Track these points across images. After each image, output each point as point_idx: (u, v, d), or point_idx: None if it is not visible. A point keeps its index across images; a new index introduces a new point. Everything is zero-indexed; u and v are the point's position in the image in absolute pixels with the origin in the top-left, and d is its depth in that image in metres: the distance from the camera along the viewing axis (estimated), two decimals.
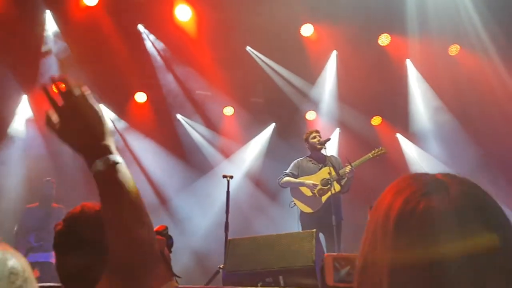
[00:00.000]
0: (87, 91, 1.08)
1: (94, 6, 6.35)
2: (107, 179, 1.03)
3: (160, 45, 7.10)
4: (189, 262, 6.35)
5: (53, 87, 1.07)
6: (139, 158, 7.24)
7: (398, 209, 0.76)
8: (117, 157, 1.06)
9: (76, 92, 1.05)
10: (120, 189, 1.03)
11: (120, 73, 7.16)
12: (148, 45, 7.08)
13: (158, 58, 7.19)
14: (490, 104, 7.09)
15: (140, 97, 7.50)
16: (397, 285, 0.72)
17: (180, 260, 5.85)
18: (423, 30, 6.71)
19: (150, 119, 7.48)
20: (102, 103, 7.29)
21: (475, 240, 0.72)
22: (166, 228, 1.84)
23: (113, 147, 1.07)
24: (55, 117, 1.06)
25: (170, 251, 1.81)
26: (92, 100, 1.08)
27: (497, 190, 6.72)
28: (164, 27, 6.82)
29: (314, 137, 5.34)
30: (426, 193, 0.76)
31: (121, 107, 7.46)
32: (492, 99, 7.05)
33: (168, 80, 7.37)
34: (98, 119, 1.07)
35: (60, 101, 1.06)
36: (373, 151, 5.31)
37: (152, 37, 7.05)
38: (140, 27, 6.98)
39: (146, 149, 7.25)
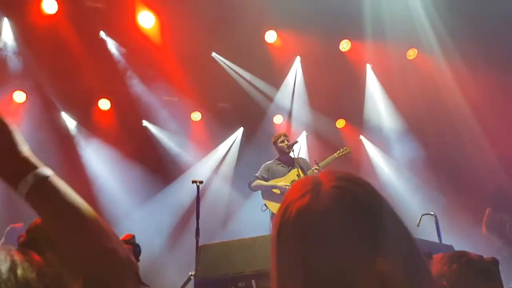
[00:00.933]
0: None
1: (54, 14, 6.21)
2: (40, 200, 0.85)
3: (124, 51, 7.01)
4: (160, 269, 6.30)
5: None
6: (105, 166, 7.10)
7: (282, 210, 0.80)
8: (43, 170, 0.87)
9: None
10: (61, 207, 0.86)
11: (83, 80, 7.02)
12: (112, 51, 6.98)
13: (122, 64, 7.10)
14: (447, 104, 7.44)
15: (104, 104, 7.36)
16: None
17: (150, 268, 5.79)
18: (381, 36, 6.98)
19: (115, 127, 7.35)
20: (65, 111, 7.13)
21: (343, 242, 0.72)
22: (133, 237, 1.86)
23: (33, 159, 0.88)
24: None
25: (138, 260, 1.82)
26: None
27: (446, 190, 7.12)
28: (127, 33, 6.74)
29: (282, 141, 5.45)
30: (298, 198, 0.78)
31: (85, 115, 7.31)
32: (448, 100, 7.40)
33: (133, 86, 7.29)
34: (5, 129, 0.87)
35: None
36: (338, 151, 5.49)
37: (115, 43, 6.95)
38: (103, 34, 6.87)
39: (112, 157, 7.12)
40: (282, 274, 0.78)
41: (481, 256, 1.76)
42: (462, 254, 1.71)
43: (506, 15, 6.30)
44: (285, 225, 0.77)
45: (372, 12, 6.63)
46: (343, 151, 5.45)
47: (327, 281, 0.71)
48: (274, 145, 5.55)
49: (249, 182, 5.40)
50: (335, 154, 5.47)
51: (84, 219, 0.88)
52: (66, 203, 0.87)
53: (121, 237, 1.92)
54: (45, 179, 0.86)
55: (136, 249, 1.85)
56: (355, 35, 7.25)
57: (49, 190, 0.86)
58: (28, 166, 0.86)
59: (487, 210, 6.52)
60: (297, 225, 0.76)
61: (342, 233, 0.72)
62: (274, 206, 5.24)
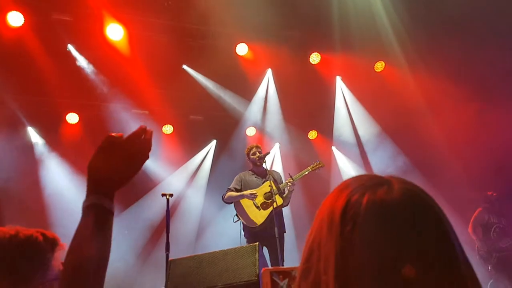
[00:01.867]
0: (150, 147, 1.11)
1: (20, 26, 6.06)
2: (101, 219, 1.03)
3: (93, 64, 6.90)
4: (132, 285, 6.14)
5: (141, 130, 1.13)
6: (72, 181, 6.90)
7: (343, 202, 0.79)
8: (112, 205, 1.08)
9: (148, 142, 1.12)
10: (102, 236, 1.03)
11: (51, 94, 6.87)
12: (80, 65, 6.86)
13: (91, 77, 6.98)
14: (412, 116, 7.66)
15: (72, 118, 7.19)
16: (342, 276, 0.74)
17: (122, 283, 5.63)
18: (349, 48, 7.15)
19: (83, 141, 7.18)
20: (31, 125, 6.93)
21: (424, 234, 0.76)
22: None
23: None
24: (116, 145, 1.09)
25: None
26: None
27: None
28: (96, 46, 6.62)
29: (254, 153, 5.46)
30: (370, 187, 0.79)
31: (52, 129, 7.11)
32: (414, 111, 7.63)
33: (102, 99, 7.17)
34: (138, 169, 1.10)
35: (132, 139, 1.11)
36: (312, 165, 5.48)
37: (83, 57, 6.84)
38: (70, 47, 6.75)
39: (80, 172, 6.93)
40: (348, 266, 0.75)
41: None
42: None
43: (471, 29, 6.57)
44: (356, 212, 0.77)
45: (341, 25, 6.79)
46: (316, 165, 5.47)
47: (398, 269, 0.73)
48: (247, 156, 5.56)
49: (223, 195, 5.38)
50: (308, 167, 5.47)
51: (103, 257, 1.03)
52: (108, 238, 1.05)
53: None
54: (110, 210, 1.06)
55: None
56: (324, 47, 7.40)
57: (109, 219, 1.05)
58: (112, 196, 1.07)
59: (478, 209, 6.64)
60: (373, 213, 0.76)
61: (413, 229, 0.75)
62: (245, 217, 5.22)
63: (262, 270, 3.29)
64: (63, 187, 6.79)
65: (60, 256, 1.45)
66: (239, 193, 5.27)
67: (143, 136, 1.13)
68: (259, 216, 5.17)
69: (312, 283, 0.78)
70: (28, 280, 1.35)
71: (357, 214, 0.76)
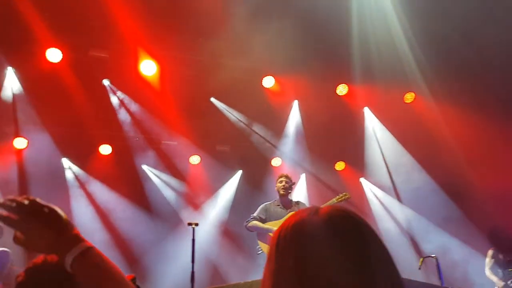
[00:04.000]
0: (32, 198, 1.10)
1: (58, 62, 6.41)
2: (81, 269, 1.05)
3: (126, 98, 7.19)
4: None
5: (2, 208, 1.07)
6: (104, 210, 7.07)
7: (278, 230, 0.93)
8: (83, 243, 1.08)
9: (25, 202, 1.08)
10: (98, 274, 1.06)
11: (85, 126, 7.16)
12: (113, 98, 7.15)
13: (123, 110, 7.25)
14: (443, 147, 7.51)
15: (105, 149, 7.44)
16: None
17: None
18: (376, 80, 7.18)
19: (115, 171, 7.38)
20: (66, 157, 7.19)
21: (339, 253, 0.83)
22: (134, 278, 1.83)
23: (78, 236, 1.09)
24: (18, 233, 1.08)
25: None
26: (41, 202, 1.10)
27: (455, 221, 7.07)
28: (129, 81, 6.93)
29: (281, 182, 5.38)
30: (299, 213, 0.93)
31: (86, 160, 7.36)
32: (444, 141, 7.49)
33: (133, 131, 7.41)
34: (54, 216, 1.08)
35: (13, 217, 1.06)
36: (337, 196, 5.36)
37: (117, 91, 7.14)
38: (105, 82, 7.06)
39: (111, 202, 7.10)
40: (278, 279, 0.86)
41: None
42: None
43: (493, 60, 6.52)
44: (284, 235, 0.90)
45: (362, 56, 6.86)
46: (342, 197, 5.32)
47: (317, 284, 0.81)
48: (275, 185, 5.51)
49: (246, 222, 5.28)
50: (334, 199, 5.34)
51: (119, 284, 1.06)
52: (104, 269, 1.06)
53: None
54: (85, 250, 1.07)
55: None
56: (351, 79, 7.44)
57: (90, 259, 1.06)
58: (74, 242, 1.07)
59: (489, 251, 6.39)
60: (294, 233, 0.88)
61: (331, 249, 0.84)
62: (267, 249, 5.14)
63: None
64: (91, 217, 6.95)
65: None
66: (267, 226, 5.14)
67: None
68: None
69: None
70: None
71: (286, 235, 0.90)
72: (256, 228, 5.19)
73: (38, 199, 1.10)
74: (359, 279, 0.81)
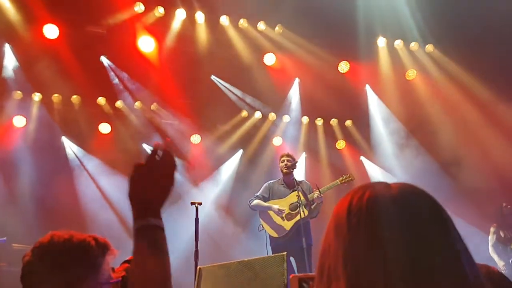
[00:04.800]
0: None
1: (55, 39, 6.30)
2: (155, 237, 1.11)
3: (124, 76, 7.08)
4: None
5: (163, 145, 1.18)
6: (104, 189, 7.05)
7: (347, 204, 0.88)
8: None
9: (168, 155, 1.16)
10: (159, 251, 1.10)
11: (83, 104, 7.09)
12: (112, 76, 7.05)
13: (122, 88, 7.16)
14: (444, 125, 7.49)
15: (104, 128, 7.37)
16: (352, 274, 0.80)
17: None
18: (380, 56, 7.10)
19: (115, 150, 7.33)
20: (65, 135, 7.15)
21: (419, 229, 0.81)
22: None
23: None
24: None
25: None
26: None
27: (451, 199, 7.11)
28: (128, 58, 6.82)
29: (283, 161, 5.40)
30: (369, 186, 0.89)
31: (85, 139, 7.30)
32: (446, 119, 7.47)
33: (133, 110, 7.34)
34: (172, 185, 1.17)
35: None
36: (341, 178, 5.34)
37: (115, 68, 7.03)
38: (103, 59, 6.95)
39: (111, 180, 7.07)
40: (357, 256, 0.82)
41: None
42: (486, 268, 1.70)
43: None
44: (358, 206, 0.85)
45: (370, 33, 6.76)
46: (346, 178, 5.30)
47: (407, 260, 0.79)
48: (279, 165, 5.52)
49: (249, 201, 5.35)
50: (337, 180, 5.32)
51: (164, 275, 1.10)
52: (164, 254, 1.11)
53: (128, 257, 1.89)
54: (162, 228, 1.14)
55: None
56: (353, 56, 7.34)
57: (162, 236, 1.13)
58: (159, 213, 1.15)
59: (491, 228, 6.35)
60: (371, 206, 0.84)
61: (411, 220, 0.82)
62: (269, 227, 5.17)
63: (290, 277, 3.25)
64: (100, 195, 6.94)
65: (110, 261, 1.50)
66: (267, 204, 5.22)
67: (161, 152, 1.17)
68: (283, 227, 5.11)
69: (326, 283, 0.84)
70: (80, 283, 1.38)
71: (360, 210, 0.85)
72: (258, 206, 5.27)
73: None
74: (445, 260, 0.80)
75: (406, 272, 0.77)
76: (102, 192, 7.00)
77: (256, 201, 5.28)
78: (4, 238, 5.40)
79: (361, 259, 0.80)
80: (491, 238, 6.28)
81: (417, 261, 0.78)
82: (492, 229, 6.33)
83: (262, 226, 5.23)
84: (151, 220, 1.11)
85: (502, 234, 6.24)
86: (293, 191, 5.21)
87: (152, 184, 1.14)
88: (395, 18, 6.71)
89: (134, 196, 1.14)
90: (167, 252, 1.12)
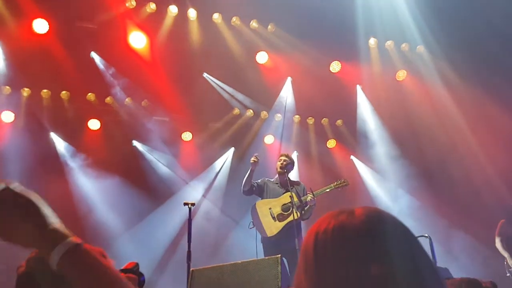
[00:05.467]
0: (12, 184, 0.97)
1: (45, 33, 6.18)
2: (69, 268, 0.94)
3: (115, 71, 6.99)
4: None
5: None
6: (94, 187, 6.96)
7: (315, 232, 0.91)
8: (70, 239, 0.96)
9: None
10: (88, 274, 0.95)
11: (73, 100, 6.99)
12: (102, 71, 6.94)
13: (113, 84, 7.06)
14: (432, 124, 7.57)
15: (94, 124, 7.27)
16: None
17: None
18: (371, 57, 7.13)
19: (104, 147, 7.25)
20: (54, 131, 7.04)
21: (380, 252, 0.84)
22: (137, 264, 1.78)
23: (62, 230, 0.97)
24: None
25: None
26: (20, 189, 0.97)
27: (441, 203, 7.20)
28: (118, 53, 6.73)
29: (280, 160, 5.38)
30: (333, 216, 0.93)
31: (74, 135, 7.20)
32: (434, 120, 7.55)
33: (123, 106, 7.26)
34: (32, 209, 0.97)
35: None
36: (336, 182, 5.33)
37: (106, 63, 6.93)
38: (94, 54, 6.85)
39: (101, 178, 6.99)
40: (323, 282, 0.85)
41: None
42: (473, 281, 1.74)
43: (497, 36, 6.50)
44: (323, 239, 0.89)
45: (366, 32, 6.77)
46: (340, 183, 5.29)
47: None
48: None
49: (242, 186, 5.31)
50: (331, 185, 5.31)
51: (112, 284, 0.96)
52: (95, 268, 0.96)
53: (123, 266, 1.86)
54: (74, 247, 0.95)
55: (140, 278, 1.77)
56: (345, 56, 7.37)
57: (78, 257, 0.95)
58: (57, 237, 0.95)
59: (500, 222, 6.27)
60: (337, 238, 0.88)
61: (373, 247, 0.86)
62: (260, 226, 5.13)
63: None
64: (91, 194, 6.85)
65: None
66: (248, 172, 5.17)
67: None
68: (273, 227, 5.07)
69: None
70: None
71: (325, 241, 0.88)
72: (244, 180, 5.20)
73: (13, 186, 0.97)
74: (410, 276, 0.84)
75: None
76: (91, 191, 6.91)
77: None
78: None
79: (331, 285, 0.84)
80: (501, 234, 6.16)
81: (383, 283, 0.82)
82: (501, 223, 6.23)
83: (253, 224, 5.21)
84: (53, 256, 0.94)
85: (510, 229, 6.12)
86: (286, 192, 5.21)
87: (13, 220, 0.95)
88: (387, 19, 6.75)
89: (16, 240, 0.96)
90: (103, 267, 0.96)
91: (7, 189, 0.96)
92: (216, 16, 6.87)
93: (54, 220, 0.99)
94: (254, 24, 7.06)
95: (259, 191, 5.32)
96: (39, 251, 0.99)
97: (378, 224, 0.90)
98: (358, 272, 0.83)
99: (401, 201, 7.73)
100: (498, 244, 6.21)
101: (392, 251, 0.86)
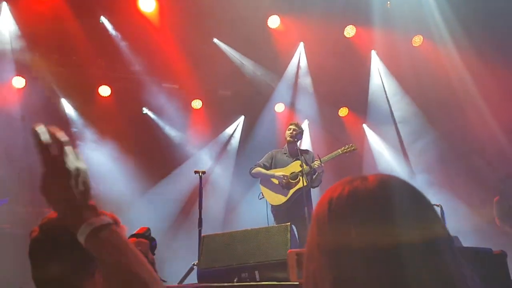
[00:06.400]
0: (70, 149, 1.01)
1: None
2: (96, 245, 0.98)
3: (125, 37, 6.89)
4: (163, 259, 6.27)
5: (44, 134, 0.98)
6: (105, 155, 7.02)
7: (328, 198, 0.92)
8: (104, 218, 1.00)
9: (61, 149, 0.99)
10: (114, 253, 0.98)
11: (83, 66, 6.94)
12: (112, 37, 6.85)
13: (123, 50, 6.98)
14: (447, 91, 7.38)
15: (104, 90, 7.26)
16: (336, 267, 0.84)
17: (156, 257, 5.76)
18: (387, 21, 6.87)
19: (115, 113, 7.26)
20: (65, 97, 7.05)
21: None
22: (148, 229, 1.80)
23: (97, 209, 1.02)
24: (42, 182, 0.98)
25: (154, 254, 1.77)
26: (76, 157, 1.01)
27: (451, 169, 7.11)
28: (128, 18, 6.61)
29: (289, 129, 5.33)
30: (347, 182, 0.93)
31: (85, 101, 7.20)
32: (449, 87, 7.35)
33: (133, 72, 7.20)
34: (81, 179, 1.01)
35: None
36: (343, 148, 5.26)
37: (115, 29, 6.82)
38: (103, 19, 6.74)
39: (112, 145, 7.03)
40: (337, 243, 0.86)
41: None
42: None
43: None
44: (337, 204, 0.89)
45: None
46: (348, 148, 5.22)
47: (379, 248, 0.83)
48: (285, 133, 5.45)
49: (250, 168, 5.33)
50: (339, 150, 5.23)
51: (134, 267, 0.97)
52: (119, 250, 0.98)
53: (135, 231, 1.87)
54: (101, 227, 0.98)
55: (152, 243, 1.80)
56: (360, 20, 7.12)
57: (104, 238, 0.98)
58: (90, 213, 0.99)
59: (495, 199, 6.09)
60: (351, 201, 0.88)
61: (391, 212, 0.86)
62: (269, 195, 5.16)
63: (288, 252, 3.29)
64: (102, 160, 6.90)
65: None
66: (269, 172, 5.20)
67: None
68: (282, 196, 5.11)
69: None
70: (88, 261, 1.31)
71: (340, 205, 0.89)
72: (259, 174, 5.25)
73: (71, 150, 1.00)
74: (423, 239, 0.84)
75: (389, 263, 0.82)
76: (102, 158, 6.96)
77: (257, 169, 5.25)
78: (6, 199, 5.42)
79: (343, 258, 0.84)
80: (498, 210, 5.93)
81: (399, 250, 0.82)
82: (496, 200, 6.04)
83: (262, 194, 5.24)
84: (94, 221, 0.98)
85: (507, 203, 5.91)
86: (295, 160, 5.18)
87: (60, 183, 0.99)
88: None
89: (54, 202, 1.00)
90: (129, 249, 1.00)
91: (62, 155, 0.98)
92: None
93: (89, 196, 1.02)
94: None
95: (268, 169, 5.30)
96: (72, 223, 1.00)
97: (392, 187, 0.91)
98: (371, 233, 0.84)
99: (411, 169, 7.68)
100: (497, 221, 5.99)
101: (406, 213, 0.87)
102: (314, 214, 0.94)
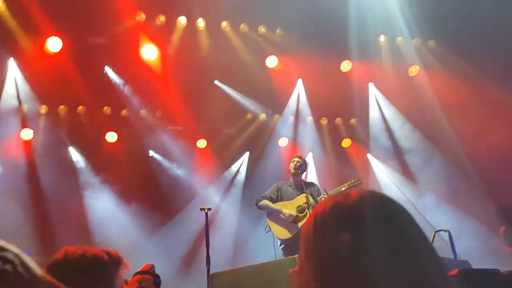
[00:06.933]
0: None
1: (58, 51, 6.36)
2: None
3: (129, 84, 7.14)
4: None
5: None
6: (113, 198, 7.10)
7: (314, 214, 0.99)
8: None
9: None
10: None
11: (89, 115, 7.16)
12: (116, 85, 7.10)
13: (127, 96, 7.22)
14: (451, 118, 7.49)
15: (111, 136, 7.43)
16: (320, 275, 0.91)
17: None
18: (382, 54, 7.11)
19: (122, 158, 7.39)
20: (73, 146, 7.22)
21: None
22: (153, 266, 1.85)
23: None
24: None
25: None
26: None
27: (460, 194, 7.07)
28: (131, 67, 6.88)
29: (293, 161, 5.38)
30: (333, 198, 1.00)
31: (92, 149, 7.36)
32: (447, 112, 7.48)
33: (138, 117, 7.40)
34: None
35: None
36: (349, 182, 5.28)
37: (119, 77, 7.08)
38: (107, 69, 7.01)
39: (120, 188, 7.12)
40: (324, 257, 0.92)
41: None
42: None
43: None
44: (321, 219, 0.96)
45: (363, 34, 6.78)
46: (354, 182, 5.24)
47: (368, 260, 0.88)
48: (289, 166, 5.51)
49: (257, 200, 5.33)
50: (345, 184, 5.26)
51: None
52: None
53: (140, 268, 1.91)
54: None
55: (156, 280, 1.84)
56: (355, 55, 7.34)
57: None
58: None
59: (501, 230, 6.06)
60: (334, 215, 0.95)
61: (371, 226, 0.92)
62: (276, 229, 5.14)
63: (289, 272, 3.28)
64: (111, 204, 6.99)
65: (123, 274, 1.51)
66: (276, 208, 5.18)
67: None
68: (289, 229, 5.07)
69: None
70: None
71: (324, 217, 0.96)
72: (266, 207, 5.25)
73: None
74: (402, 256, 0.89)
75: (374, 272, 0.86)
76: (111, 202, 7.04)
77: (263, 201, 5.25)
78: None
79: (332, 260, 0.90)
80: (507, 239, 5.91)
81: (378, 256, 0.87)
82: (502, 230, 6.04)
83: (269, 227, 5.22)
84: None
85: None
86: (301, 193, 5.21)
87: None
88: (395, 16, 6.74)
89: None
90: None
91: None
92: (224, 24, 6.95)
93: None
94: (262, 29, 7.12)
95: (274, 202, 5.32)
96: None
97: (370, 200, 0.97)
98: (345, 241, 0.89)
99: (419, 197, 7.66)
100: (509, 250, 5.89)
101: (379, 225, 0.92)
102: (302, 230, 1.02)
